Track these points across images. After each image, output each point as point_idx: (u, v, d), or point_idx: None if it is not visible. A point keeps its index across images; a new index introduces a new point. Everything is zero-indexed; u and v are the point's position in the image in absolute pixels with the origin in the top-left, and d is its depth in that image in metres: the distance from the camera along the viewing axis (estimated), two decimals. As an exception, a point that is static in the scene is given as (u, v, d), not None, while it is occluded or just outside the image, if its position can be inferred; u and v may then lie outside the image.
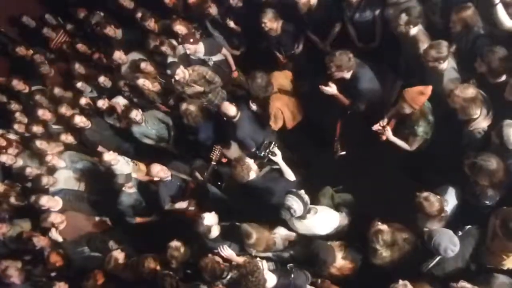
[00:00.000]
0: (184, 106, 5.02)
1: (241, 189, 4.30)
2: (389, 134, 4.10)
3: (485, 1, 3.88)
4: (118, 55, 6.15)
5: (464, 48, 4.08)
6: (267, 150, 4.25)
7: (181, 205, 4.92)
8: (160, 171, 4.80)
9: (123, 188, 5.03)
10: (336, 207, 4.21)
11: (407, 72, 4.64)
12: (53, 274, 4.98)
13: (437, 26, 4.43)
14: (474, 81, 3.83)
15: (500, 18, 3.83)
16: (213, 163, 4.96)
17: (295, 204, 3.69)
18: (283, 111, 4.87)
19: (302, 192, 3.79)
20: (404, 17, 4.13)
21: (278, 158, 4.21)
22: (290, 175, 4.23)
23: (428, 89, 3.85)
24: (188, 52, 5.49)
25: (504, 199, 3.52)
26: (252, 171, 4.17)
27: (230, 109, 4.71)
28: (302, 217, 3.80)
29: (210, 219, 4.07)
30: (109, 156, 5.27)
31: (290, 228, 4.02)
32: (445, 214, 3.57)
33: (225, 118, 4.83)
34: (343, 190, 4.50)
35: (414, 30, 4.20)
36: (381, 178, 4.71)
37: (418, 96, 3.83)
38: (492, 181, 3.41)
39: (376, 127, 4.16)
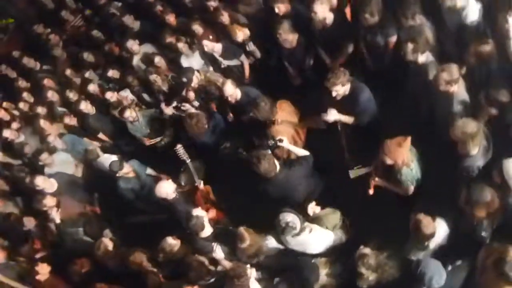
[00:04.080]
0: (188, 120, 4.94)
1: (263, 185, 4.22)
2: (379, 183, 4.14)
3: (501, 33, 3.91)
4: (131, 43, 6.19)
5: (476, 81, 4.09)
6: (275, 140, 4.31)
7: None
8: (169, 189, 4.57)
9: (119, 175, 5.04)
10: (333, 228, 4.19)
11: (415, 100, 4.65)
12: (37, 255, 5.00)
13: (449, 54, 4.46)
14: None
15: None
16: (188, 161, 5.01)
17: (290, 218, 3.74)
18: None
19: (291, 209, 3.83)
20: (410, 45, 4.16)
21: (286, 142, 4.28)
22: (303, 151, 4.29)
23: (407, 141, 3.83)
24: (205, 48, 5.54)
25: (496, 232, 3.54)
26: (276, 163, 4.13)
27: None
28: (299, 233, 3.81)
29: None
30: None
31: (280, 242, 4.01)
32: (432, 242, 3.57)
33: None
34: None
35: (422, 58, 4.22)
36: (376, 202, 4.71)
37: (397, 148, 3.79)
38: (488, 213, 3.41)
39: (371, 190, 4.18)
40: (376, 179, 4.14)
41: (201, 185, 4.96)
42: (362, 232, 4.17)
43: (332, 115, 4.40)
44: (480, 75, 4.07)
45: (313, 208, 4.16)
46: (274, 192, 4.21)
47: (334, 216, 4.22)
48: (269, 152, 4.19)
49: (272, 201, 4.26)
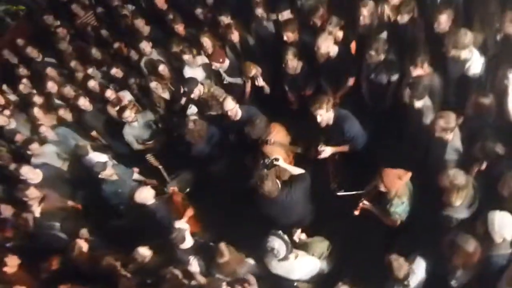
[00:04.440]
0: (189, 124, 4.95)
1: (266, 205, 4.20)
2: (367, 207, 4.15)
3: (500, 88, 3.99)
4: (145, 45, 6.21)
5: (470, 130, 4.15)
6: (270, 160, 4.33)
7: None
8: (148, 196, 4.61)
9: (102, 176, 4.99)
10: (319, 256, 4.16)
11: (411, 140, 4.69)
12: (7, 244, 4.90)
13: (448, 102, 4.54)
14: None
15: (510, 109, 3.93)
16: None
17: (277, 244, 3.71)
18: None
19: (280, 232, 3.80)
20: (407, 91, 4.25)
21: (281, 161, 4.31)
22: (297, 170, 4.30)
23: (407, 176, 3.88)
24: (213, 66, 5.66)
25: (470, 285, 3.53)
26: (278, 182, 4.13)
27: None
28: (283, 259, 3.78)
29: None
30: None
31: (262, 265, 3.97)
32: (413, 281, 3.55)
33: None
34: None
35: (419, 103, 4.29)
36: (362, 233, 4.69)
37: (395, 180, 3.85)
38: (466, 263, 3.42)
39: (357, 211, 4.20)
40: (365, 202, 4.14)
41: (174, 190, 4.94)
42: (345, 263, 4.16)
43: (327, 151, 4.47)
44: (475, 126, 4.13)
45: (298, 236, 4.17)
46: (273, 212, 4.20)
47: (322, 245, 4.21)
48: (268, 171, 4.21)
49: (260, 221, 4.25)
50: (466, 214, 3.70)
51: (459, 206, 3.67)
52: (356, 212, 4.18)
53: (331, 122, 4.47)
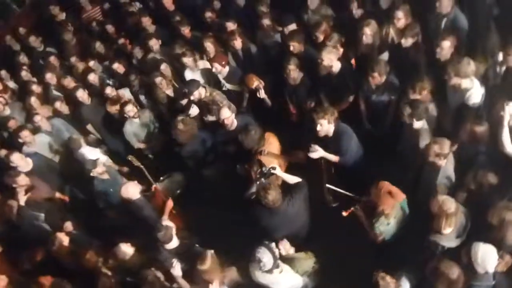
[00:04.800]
0: (178, 124, 4.91)
1: (266, 216, 4.10)
2: (358, 213, 4.12)
3: (496, 119, 4.01)
4: (154, 42, 6.24)
5: (463, 158, 4.17)
6: (268, 169, 4.28)
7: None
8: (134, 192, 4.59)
9: (93, 174, 4.93)
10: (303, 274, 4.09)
11: (404, 162, 4.71)
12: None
13: (444, 129, 4.57)
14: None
15: (503, 140, 3.95)
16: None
17: (265, 258, 3.65)
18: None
19: (273, 245, 3.75)
20: (408, 109, 4.25)
21: (278, 170, 4.26)
22: (295, 179, 4.24)
23: (399, 196, 3.86)
24: (214, 70, 5.64)
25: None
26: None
27: None
28: (268, 271, 3.73)
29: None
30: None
31: (246, 273, 3.93)
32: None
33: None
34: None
35: (417, 124, 4.31)
36: (350, 250, 4.68)
37: (386, 194, 3.83)
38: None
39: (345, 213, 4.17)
40: (358, 208, 4.11)
41: (156, 188, 4.89)
42: (331, 280, 4.11)
43: (317, 151, 4.44)
44: (469, 154, 4.14)
45: (286, 249, 4.09)
46: (274, 222, 4.07)
47: (307, 263, 4.13)
48: (265, 181, 4.18)
49: (252, 229, 4.17)
50: (454, 243, 3.68)
51: (448, 234, 3.66)
52: (344, 213, 4.13)
53: (330, 134, 4.47)
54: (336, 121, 4.44)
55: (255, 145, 4.70)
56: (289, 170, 4.79)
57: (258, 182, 4.29)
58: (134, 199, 4.50)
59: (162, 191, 4.96)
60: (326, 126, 4.38)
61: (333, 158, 4.54)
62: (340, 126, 4.50)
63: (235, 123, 4.95)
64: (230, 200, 4.77)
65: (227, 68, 5.68)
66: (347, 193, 4.24)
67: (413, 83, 4.46)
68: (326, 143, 4.49)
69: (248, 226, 4.22)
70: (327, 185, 4.34)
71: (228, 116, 4.86)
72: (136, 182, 4.64)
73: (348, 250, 4.42)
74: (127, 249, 4.03)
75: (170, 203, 4.70)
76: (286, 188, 4.18)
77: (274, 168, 4.27)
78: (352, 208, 4.11)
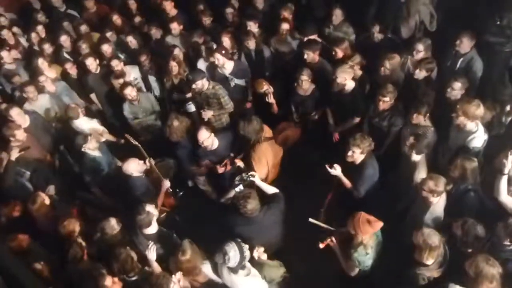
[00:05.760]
0: (171, 120, 4.83)
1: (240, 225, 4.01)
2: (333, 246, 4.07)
3: (497, 166, 3.98)
4: (176, 26, 6.24)
5: (453, 195, 4.15)
6: (246, 176, 4.23)
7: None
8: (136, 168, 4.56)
9: (83, 149, 4.88)
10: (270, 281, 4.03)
11: (396, 191, 4.71)
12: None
13: (440, 165, 4.57)
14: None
15: (500, 188, 3.95)
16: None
17: (232, 252, 3.57)
18: (268, 160, 4.84)
19: (246, 246, 3.68)
20: (411, 140, 4.27)
21: (257, 178, 4.23)
22: (272, 189, 4.21)
23: (378, 225, 3.80)
24: (216, 62, 5.47)
25: None
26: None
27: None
28: (233, 270, 3.67)
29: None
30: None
31: (215, 270, 3.89)
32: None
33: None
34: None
35: (416, 157, 4.32)
36: (318, 271, 4.66)
37: (365, 223, 3.74)
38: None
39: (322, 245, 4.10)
40: (334, 240, 4.07)
41: (150, 161, 4.81)
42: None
43: (337, 171, 4.38)
44: (456, 191, 4.09)
45: (259, 253, 4.01)
46: (247, 232, 3.95)
47: (277, 272, 4.08)
48: (243, 188, 4.13)
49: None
50: (436, 274, 3.65)
51: (430, 266, 3.64)
52: (321, 246, 4.08)
53: (356, 162, 4.36)
54: (369, 154, 4.35)
55: (253, 136, 4.66)
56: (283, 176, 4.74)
57: (236, 189, 4.22)
58: (134, 176, 4.47)
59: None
60: (357, 155, 4.29)
61: (347, 184, 4.47)
62: (369, 161, 4.38)
63: (216, 142, 4.78)
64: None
65: (231, 62, 5.55)
66: (328, 226, 4.14)
67: (418, 107, 4.50)
68: (349, 167, 4.43)
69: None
70: (310, 219, 4.19)
71: (207, 137, 4.62)
72: (137, 159, 4.55)
73: (321, 268, 4.38)
74: (115, 225, 3.99)
75: (166, 183, 4.67)
76: (262, 198, 4.11)
77: (253, 176, 4.23)
78: (328, 240, 4.05)
